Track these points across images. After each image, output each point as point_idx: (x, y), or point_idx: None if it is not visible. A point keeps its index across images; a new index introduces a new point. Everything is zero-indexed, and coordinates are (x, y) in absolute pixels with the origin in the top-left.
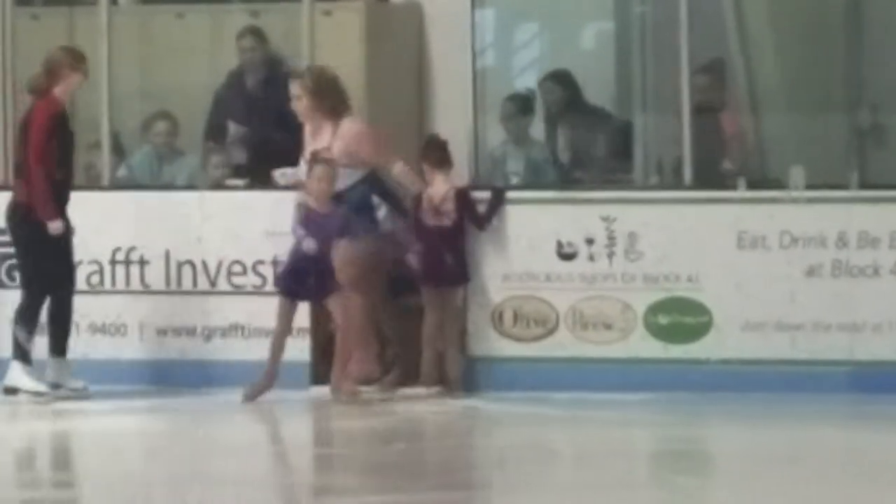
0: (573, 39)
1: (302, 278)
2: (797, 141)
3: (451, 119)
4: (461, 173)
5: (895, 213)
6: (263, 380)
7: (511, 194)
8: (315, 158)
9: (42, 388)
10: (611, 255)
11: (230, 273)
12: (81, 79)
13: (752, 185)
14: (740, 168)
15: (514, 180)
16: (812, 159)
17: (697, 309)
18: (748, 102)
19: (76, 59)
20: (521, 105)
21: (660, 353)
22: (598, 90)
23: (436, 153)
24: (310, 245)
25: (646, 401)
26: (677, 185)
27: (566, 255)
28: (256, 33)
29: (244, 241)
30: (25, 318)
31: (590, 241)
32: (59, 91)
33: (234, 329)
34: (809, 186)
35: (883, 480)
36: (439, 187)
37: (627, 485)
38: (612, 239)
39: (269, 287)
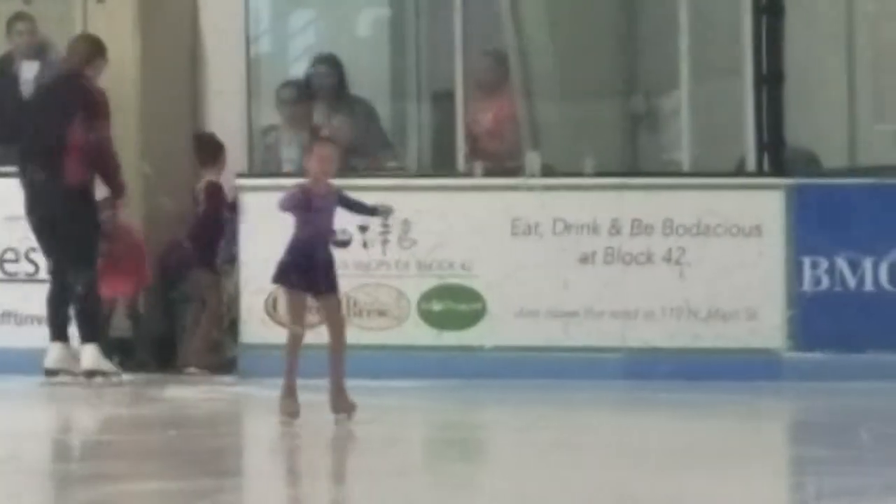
0: (348, 26)
1: (306, 269)
2: (571, 127)
3: (226, 107)
4: (240, 161)
5: (668, 201)
6: (282, 394)
7: (286, 181)
8: (319, 136)
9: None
10: (385, 243)
11: (2, 260)
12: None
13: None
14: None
15: (289, 168)
16: (586, 146)
17: (471, 296)
18: (522, 89)
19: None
20: (296, 91)
21: (433, 340)
22: (373, 77)
23: (205, 149)
24: (345, 238)
25: (420, 388)
26: (451, 172)
27: (340, 243)
28: (27, 19)
29: (19, 228)
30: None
31: (363, 229)
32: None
33: (7, 316)
34: (595, 173)
35: (655, 466)
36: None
37: (401, 472)
38: (385, 226)
39: (43, 275)
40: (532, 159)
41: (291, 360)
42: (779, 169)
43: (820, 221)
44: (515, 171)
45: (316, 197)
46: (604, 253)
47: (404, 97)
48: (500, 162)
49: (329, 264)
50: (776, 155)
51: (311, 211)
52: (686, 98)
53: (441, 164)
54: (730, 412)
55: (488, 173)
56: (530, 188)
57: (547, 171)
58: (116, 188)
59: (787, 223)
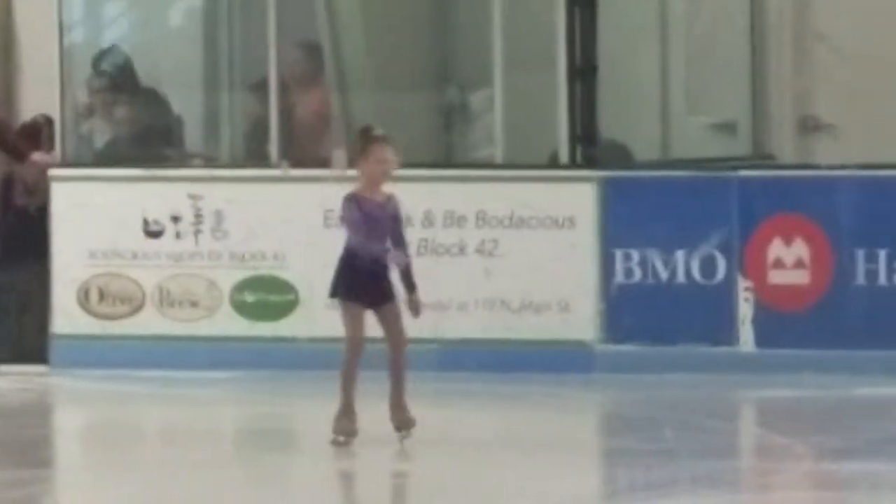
0: (161, 16)
1: (360, 281)
2: (385, 119)
3: (40, 96)
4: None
5: (481, 193)
6: (340, 413)
7: (96, 171)
8: (373, 136)
9: None
10: (197, 233)
11: None
12: None
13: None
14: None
15: (102, 156)
16: (400, 138)
17: (283, 287)
18: (336, 81)
19: None
20: (108, 81)
21: (246, 330)
22: (186, 68)
23: (30, 136)
24: (400, 259)
25: (232, 379)
26: (263, 163)
27: (153, 233)
28: None
29: None
30: None
31: (176, 219)
32: None
33: None
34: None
35: (468, 457)
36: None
37: (213, 463)
38: (198, 217)
39: None
40: (338, 156)
41: (351, 374)
42: (591, 161)
43: (632, 214)
44: (328, 163)
45: (369, 204)
46: (417, 245)
47: (217, 88)
48: (314, 153)
49: (384, 274)
50: (589, 147)
51: (364, 219)
52: (499, 90)
53: (254, 155)
54: (542, 404)
55: (299, 164)
56: (337, 180)
57: None
58: None
59: (599, 216)
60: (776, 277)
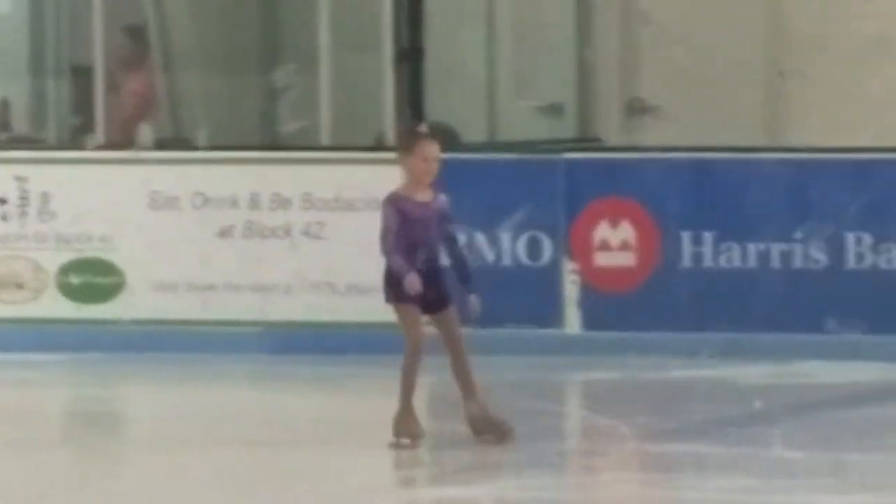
0: None
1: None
2: (211, 101)
3: None
4: None
5: (307, 174)
6: (400, 414)
7: None
8: (418, 132)
9: None
10: (23, 215)
11: None
12: None
13: (162, 146)
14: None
15: None
16: (225, 120)
17: (110, 269)
18: (162, 63)
19: None
20: None
21: (73, 313)
22: (12, 52)
23: None
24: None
25: (59, 361)
26: (89, 145)
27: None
28: None
29: None
30: None
31: (2, 202)
32: None
33: None
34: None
35: (293, 439)
36: None
37: (39, 445)
38: (24, 199)
39: None
40: (145, 131)
41: (413, 376)
42: None
43: (459, 196)
44: (152, 145)
45: (412, 204)
46: (243, 227)
47: (43, 72)
48: (136, 135)
49: (438, 278)
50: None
51: (408, 221)
52: (326, 72)
53: (80, 137)
54: (369, 386)
55: (122, 146)
56: (141, 161)
57: (185, 145)
58: None
59: None
60: (602, 260)
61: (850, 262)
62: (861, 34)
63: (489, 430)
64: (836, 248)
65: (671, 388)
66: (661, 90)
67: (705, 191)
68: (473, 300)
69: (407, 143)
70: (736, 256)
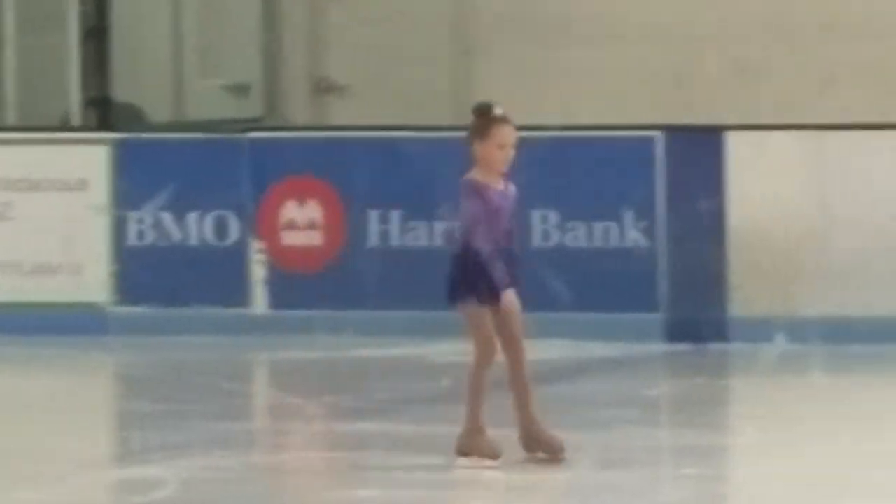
0: None
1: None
2: None
3: None
4: None
5: None
6: (471, 433)
7: None
8: (493, 114)
9: None
10: None
11: None
12: None
13: None
14: None
15: None
16: None
17: None
18: None
19: None
20: None
21: None
22: None
23: None
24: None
25: None
26: None
27: None
28: None
29: None
30: None
31: None
32: None
33: None
34: None
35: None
36: None
37: None
38: None
39: None
40: None
41: (482, 386)
42: (104, 123)
43: (145, 176)
44: None
45: (494, 193)
46: None
47: None
48: None
49: (517, 271)
50: (101, 109)
51: (491, 212)
52: (11, 51)
53: None
54: (56, 367)
55: None
56: None
57: None
58: None
59: (112, 178)
60: (289, 239)
61: (537, 240)
62: (546, 12)
63: (542, 448)
64: (523, 227)
65: (358, 366)
66: (348, 69)
67: (392, 170)
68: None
69: (480, 127)
70: (423, 235)
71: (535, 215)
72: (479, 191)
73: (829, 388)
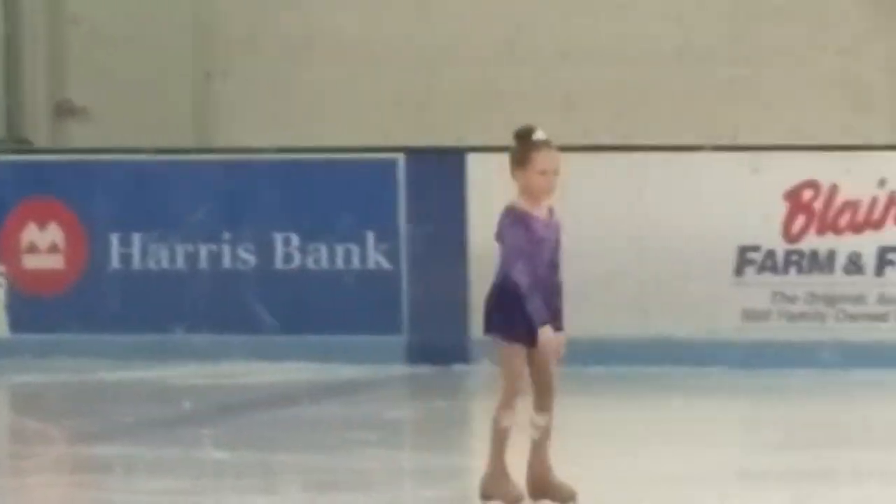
0: None
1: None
2: None
3: None
4: None
5: None
6: (494, 476)
7: None
8: (533, 138)
9: None
10: None
11: None
12: None
13: None
14: None
15: None
16: None
17: None
18: None
19: None
20: None
21: None
22: None
23: None
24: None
25: None
26: None
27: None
28: None
29: None
30: None
31: None
32: None
33: None
34: None
35: None
36: None
37: None
38: None
39: None
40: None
41: (509, 424)
42: None
43: None
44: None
45: (537, 223)
46: None
47: None
48: None
49: (559, 306)
50: None
51: (534, 242)
52: None
53: None
54: None
55: None
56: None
57: None
58: None
59: None
60: (30, 262)
61: (279, 263)
62: (288, 34)
63: (551, 496)
64: (266, 249)
65: (100, 390)
66: (89, 91)
67: (134, 193)
68: (560, 339)
69: (520, 153)
70: (164, 258)
71: (278, 238)
72: (521, 220)
73: (566, 407)
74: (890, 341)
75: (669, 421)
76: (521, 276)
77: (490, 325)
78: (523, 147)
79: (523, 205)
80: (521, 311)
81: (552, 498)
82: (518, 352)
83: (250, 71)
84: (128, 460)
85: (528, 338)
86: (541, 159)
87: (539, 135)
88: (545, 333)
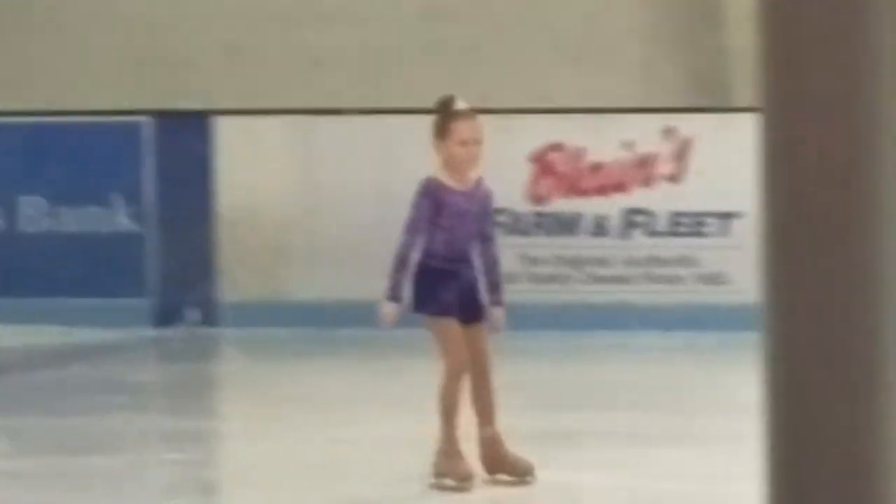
0: None
1: (444, 291)
2: None
3: None
4: None
5: None
6: (448, 458)
7: None
8: (454, 108)
9: None
10: None
11: None
12: None
13: None
14: None
15: None
16: None
17: None
18: None
19: None
20: None
21: None
22: None
23: None
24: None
25: None
26: None
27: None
28: None
29: None
30: None
31: None
32: None
33: None
34: None
35: None
36: None
37: None
38: None
39: None
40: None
41: (456, 405)
42: None
43: None
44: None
45: (451, 194)
46: None
47: None
48: None
49: (474, 285)
50: None
51: (444, 215)
52: None
53: None
54: None
55: None
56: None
57: None
58: None
59: None
60: None
61: (25, 226)
62: None
63: (504, 470)
64: (11, 213)
65: None
66: None
67: None
68: (498, 313)
69: (439, 124)
70: None
71: (23, 201)
72: (430, 192)
73: (314, 372)
74: (635, 303)
75: (413, 385)
76: (401, 248)
77: (417, 303)
78: (443, 118)
79: (442, 177)
80: (441, 283)
81: (509, 473)
82: (450, 323)
83: None
84: None
85: (459, 311)
86: (461, 129)
87: (460, 105)
88: (384, 307)
